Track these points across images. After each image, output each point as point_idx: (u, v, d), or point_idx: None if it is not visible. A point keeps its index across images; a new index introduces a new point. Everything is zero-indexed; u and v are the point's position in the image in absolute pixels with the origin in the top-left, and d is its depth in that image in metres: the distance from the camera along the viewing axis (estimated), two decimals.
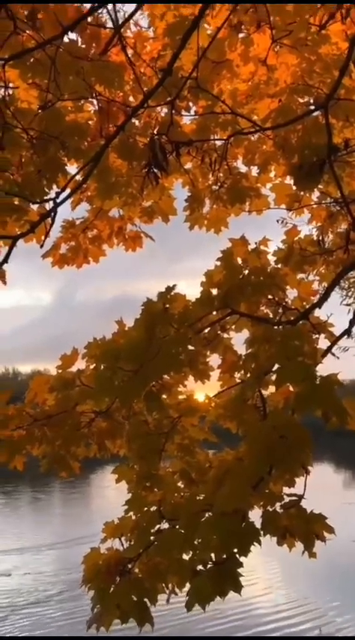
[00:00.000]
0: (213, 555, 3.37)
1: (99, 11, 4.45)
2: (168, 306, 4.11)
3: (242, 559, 3.29)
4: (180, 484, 4.34)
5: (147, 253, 5.40)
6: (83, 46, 4.45)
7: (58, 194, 3.53)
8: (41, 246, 3.82)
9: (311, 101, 4.11)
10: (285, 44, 4.33)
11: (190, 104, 4.26)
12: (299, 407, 3.06)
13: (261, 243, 4.63)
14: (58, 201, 3.46)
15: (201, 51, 3.70)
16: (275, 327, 3.89)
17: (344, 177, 4.23)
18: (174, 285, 4.09)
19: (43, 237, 3.71)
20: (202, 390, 4.48)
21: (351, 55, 3.71)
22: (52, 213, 3.46)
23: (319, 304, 4.08)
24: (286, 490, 3.59)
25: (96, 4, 3.71)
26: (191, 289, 4.40)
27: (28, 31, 4.03)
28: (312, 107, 3.99)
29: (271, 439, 3.14)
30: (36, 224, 3.49)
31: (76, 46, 4.23)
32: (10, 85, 4.20)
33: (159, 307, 4.06)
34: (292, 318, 4.50)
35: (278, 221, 4.96)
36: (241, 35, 4.39)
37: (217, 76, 4.60)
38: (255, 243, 4.62)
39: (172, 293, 4.23)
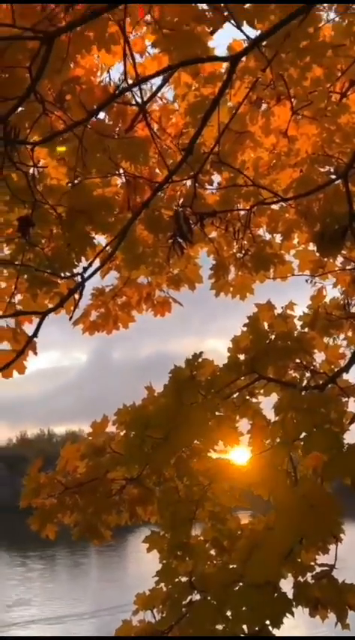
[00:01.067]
0: (245, 627, 3.33)
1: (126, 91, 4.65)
2: (195, 372, 4.17)
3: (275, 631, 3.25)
4: (211, 552, 4.31)
5: (183, 312, 5.48)
6: (110, 122, 4.64)
7: (85, 269, 3.65)
8: (70, 318, 3.93)
9: (332, 170, 4.21)
10: (305, 115, 4.46)
11: (213, 177, 4.41)
12: (327, 476, 3.06)
13: (287, 307, 4.69)
14: (86, 275, 3.57)
15: (222, 126, 3.83)
16: (303, 393, 3.90)
17: None
18: (201, 353, 4.15)
19: (72, 308, 3.81)
20: (233, 455, 4.47)
21: None
22: (80, 288, 3.57)
23: (346, 369, 4.10)
24: (318, 558, 3.56)
25: (122, 89, 3.87)
26: (224, 347, 4.45)
27: (56, 112, 4.21)
28: (333, 176, 4.08)
29: (301, 509, 3.13)
30: (64, 299, 3.60)
31: (103, 124, 4.41)
32: (40, 163, 4.37)
33: (187, 374, 4.11)
34: (320, 382, 4.52)
35: (307, 281, 5.02)
36: (262, 108, 4.54)
37: (240, 146, 4.74)
38: (281, 307, 4.68)
39: (199, 360, 4.29)
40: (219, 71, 4.25)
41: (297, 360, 4.62)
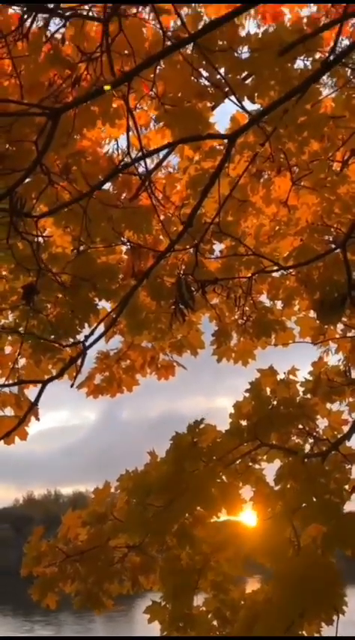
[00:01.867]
0: None
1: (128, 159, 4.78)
2: (196, 439, 4.17)
3: None
4: (214, 623, 4.24)
5: (192, 371, 5.51)
6: (115, 191, 4.76)
7: (86, 337, 3.71)
8: (71, 385, 3.97)
9: (331, 239, 4.29)
10: (305, 186, 4.57)
11: (214, 247, 4.49)
12: (326, 548, 3.03)
13: (290, 372, 4.71)
14: (88, 343, 3.63)
15: (223, 198, 3.94)
16: (304, 462, 3.89)
17: None
18: (202, 419, 4.17)
19: (74, 375, 3.86)
20: (243, 517, 4.42)
21: None
22: (81, 356, 3.62)
23: (348, 436, 4.10)
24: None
25: (125, 163, 3.99)
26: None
27: (62, 184, 4.33)
28: (332, 246, 4.16)
29: (302, 581, 3.10)
30: (65, 368, 3.66)
31: (107, 193, 4.53)
32: (46, 232, 4.48)
33: (188, 440, 4.11)
34: (323, 449, 4.51)
35: (313, 344, 5.05)
36: (263, 179, 4.65)
37: (243, 214, 4.85)
38: (284, 373, 4.71)
39: (201, 425, 4.30)
40: (219, 145, 4.39)
41: (300, 426, 4.62)
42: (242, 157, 4.28)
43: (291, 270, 4.46)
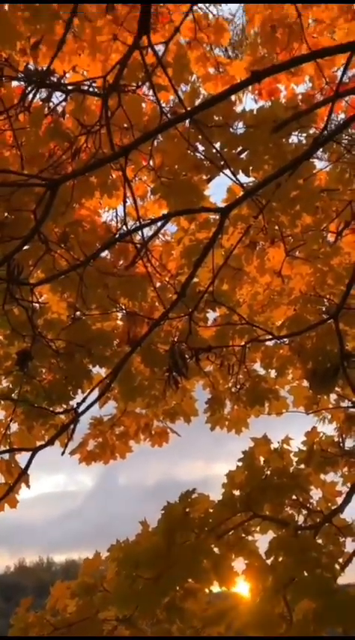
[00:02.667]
0: None
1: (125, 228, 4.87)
2: (188, 509, 4.11)
3: None
4: None
5: (190, 435, 5.46)
6: (112, 259, 4.83)
7: (78, 405, 3.71)
8: (62, 453, 3.94)
9: (324, 309, 4.33)
10: (299, 257, 4.65)
11: (208, 315, 4.54)
12: (318, 624, 2.96)
13: (284, 442, 4.68)
14: (80, 410, 3.63)
15: (217, 267, 4.00)
16: (296, 535, 3.83)
17: None
18: (194, 489, 4.12)
19: (66, 442, 3.84)
20: (230, 595, 4.33)
21: None
22: (74, 423, 3.62)
23: (341, 509, 4.05)
24: None
25: (121, 234, 4.07)
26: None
27: (59, 251, 4.40)
28: (325, 316, 4.20)
29: None
30: (55, 436, 3.64)
31: (104, 262, 4.60)
32: (42, 298, 4.53)
33: (180, 511, 4.05)
34: (318, 520, 4.45)
35: (307, 413, 5.03)
36: (257, 248, 4.73)
37: (238, 282, 4.91)
38: (278, 442, 4.68)
39: (194, 495, 4.25)
40: (213, 217, 4.48)
41: (294, 498, 4.56)
42: (236, 228, 4.37)
43: (285, 340, 4.49)
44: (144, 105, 4.61)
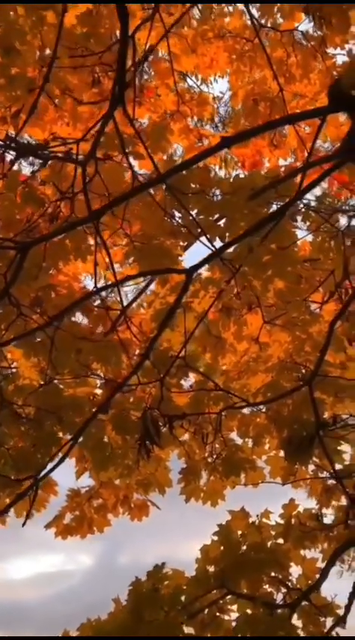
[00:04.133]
0: None
1: (104, 294, 4.82)
2: (158, 586, 3.93)
3: None
4: None
5: (194, 511, 5.23)
6: (89, 325, 4.76)
7: (39, 472, 3.57)
8: (23, 524, 3.76)
9: (300, 376, 4.24)
10: (277, 324, 4.58)
11: (183, 381, 4.44)
12: None
13: (263, 515, 4.51)
14: (39, 477, 3.48)
15: (189, 331, 3.93)
16: (272, 613, 3.64)
17: (339, 450, 4.21)
18: (164, 563, 3.94)
19: (25, 513, 3.67)
20: None
21: (331, 336, 3.89)
22: (32, 491, 3.47)
23: (317, 586, 3.87)
24: None
25: (88, 292, 4.03)
26: None
27: (32, 316, 4.33)
28: (300, 383, 4.10)
29: None
30: (9, 505, 3.49)
31: (78, 326, 4.52)
32: (14, 364, 4.44)
33: (148, 587, 3.87)
34: (297, 598, 4.24)
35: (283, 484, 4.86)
36: (234, 315, 4.68)
37: (221, 351, 4.82)
38: (256, 515, 4.50)
39: (164, 570, 4.07)
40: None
41: (272, 574, 4.36)
42: (207, 292, 4.32)
43: (261, 407, 4.39)
44: (126, 174, 4.62)
